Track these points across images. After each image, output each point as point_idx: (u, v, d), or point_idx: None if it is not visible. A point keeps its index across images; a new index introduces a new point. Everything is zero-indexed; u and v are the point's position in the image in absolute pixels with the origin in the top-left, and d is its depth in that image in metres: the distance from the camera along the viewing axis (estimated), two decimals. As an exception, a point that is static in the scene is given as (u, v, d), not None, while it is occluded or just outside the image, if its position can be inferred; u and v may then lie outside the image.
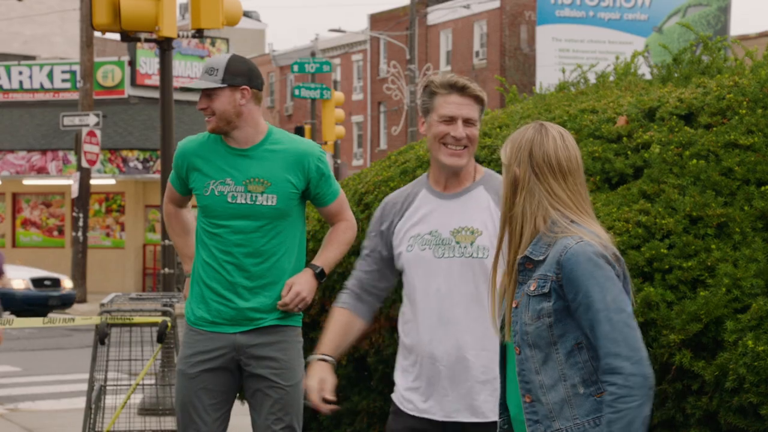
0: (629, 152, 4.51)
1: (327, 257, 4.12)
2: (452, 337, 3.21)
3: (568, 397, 2.58)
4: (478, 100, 3.29)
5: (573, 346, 2.59)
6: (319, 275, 4.07)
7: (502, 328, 2.72)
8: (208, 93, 3.99)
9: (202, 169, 4.05)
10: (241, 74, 4.00)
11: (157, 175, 20.80)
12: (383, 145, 45.80)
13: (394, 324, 4.77)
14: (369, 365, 4.96)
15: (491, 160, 4.91)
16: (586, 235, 2.59)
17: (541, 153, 2.67)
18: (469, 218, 3.25)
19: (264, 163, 4.00)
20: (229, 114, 3.99)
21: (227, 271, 3.98)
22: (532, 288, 2.61)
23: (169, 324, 5.49)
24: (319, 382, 3.30)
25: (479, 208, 3.26)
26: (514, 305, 2.65)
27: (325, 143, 25.94)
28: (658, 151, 4.38)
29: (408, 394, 3.30)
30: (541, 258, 2.61)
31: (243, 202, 3.98)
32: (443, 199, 3.31)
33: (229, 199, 3.99)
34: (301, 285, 4.00)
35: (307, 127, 26.73)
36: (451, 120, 3.25)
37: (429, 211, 3.31)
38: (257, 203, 3.98)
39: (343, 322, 3.41)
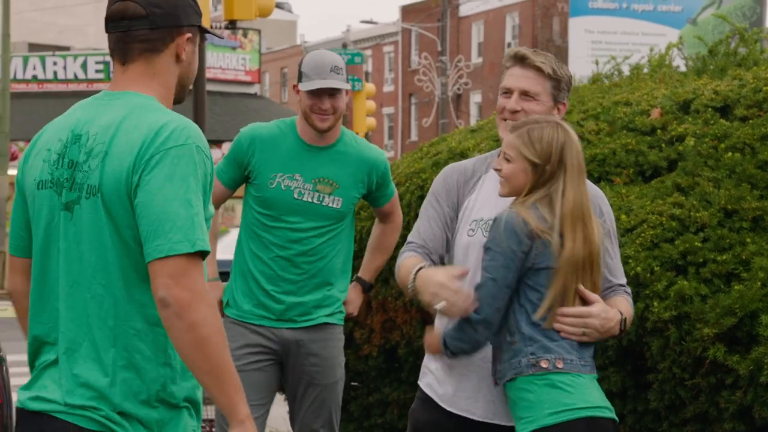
0: (663, 145, 4.48)
1: (373, 268, 4.23)
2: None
3: (500, 343, 2.97)
4: (542, 72, 3.06)
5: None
6: (368, 290, 4.25)
7: None
8: (331, 92, 3.93)
9: (270, 159, 3.96)
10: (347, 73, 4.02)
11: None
12: (414, 137, 45.78)
13: (424, 315, 4.78)
14: (400, 357, 4.97)
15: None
16: (522, 211, 2.90)
17: (570, 156, 2.95)
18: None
19: (335, 165, 3.99)
20: (341, 113, 3.99)
21: (280, 266, 3.95)
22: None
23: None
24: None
25: None
26: None
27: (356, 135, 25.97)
28: (692, 143, 4.35)
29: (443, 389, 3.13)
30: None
31: (309, 200, 3.95)
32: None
33: (296, 195, 3.94)
34: (354, 306, 4.17)
35: (339, 119, 26.75)
36: (508, 92, 3.12)
37: (488, 196, 3.10)
38: (323, 204, 3.96)
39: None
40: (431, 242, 3.14)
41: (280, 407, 4.33)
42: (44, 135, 2.40)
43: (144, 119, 2.28)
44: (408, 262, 3.10)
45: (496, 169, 3.00)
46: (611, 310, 2.99)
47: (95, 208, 2.26)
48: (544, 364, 2.89)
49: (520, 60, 3.11)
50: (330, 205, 3.96)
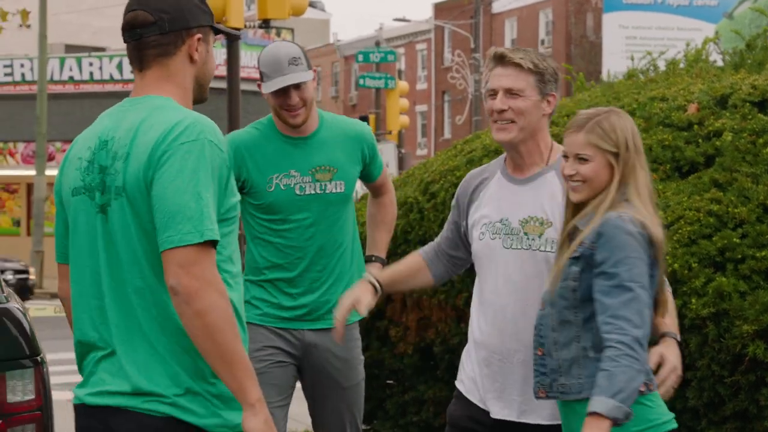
0: (700, 140, 4.44)
1: (383, 245, 4.06)
2: (512, 332, 3.07)
3: (578, 358, 2.77)
4: (522, 68, 3.05)
5: (592, 312, 2.75)
6: (386, 265, 4.01)
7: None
8: (296, 85, 3.75)
9: (261, 162, 3.80)
10: (308, 59, 3.85)
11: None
12: (447, 135, 45.71)
13: (460, 314, 4.77)
14: (435, 355, 4.96)
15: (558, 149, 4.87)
16: (629, 212, 2.75)
17: (639, 139, 2.86)
18: (539, 207, 3.07)
19: (326, 150, 3.85)
20: (313, 102, 3.83)
21: (301, 267, 3.81)
22: (567, 252, 2.80)
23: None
24: (354, 300, 3.18)
25: (549, 196, 3.08)
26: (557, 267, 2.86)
27: (390, 133, 25.97)
28: (730, 138, 4.31)
29: (470, 384, 3.19)
30: (585, 228, 2.79)
31: (313, 192, 3.81)
32: (514, 183, 3.14)
33: (298, 192, 3.80)
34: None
35: (372, 117, 26.78)
36: (494, 93, 3.11)
37: (501, 197, 3.15)
38: (327, 192, 3.83)
39: (413, 265, 3.32)
40: (444, 244, 3.34)
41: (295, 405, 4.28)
42: (76, 145, 2.51)
43: (160, 118, 2.37)
44: (405, 259, 3.38)
45: (568, 175, 2.84)
46: (674, 347, 2.96)
47: (122, 207, 2.37)
48: (652, 388, 2.75)
49: (500, 59, 3.10)
50: (334, 191, 3.83)
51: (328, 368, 3.89)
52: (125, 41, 2.50)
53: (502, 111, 3.08)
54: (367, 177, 4.03)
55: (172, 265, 2.28)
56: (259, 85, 3.87)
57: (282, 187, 3.81)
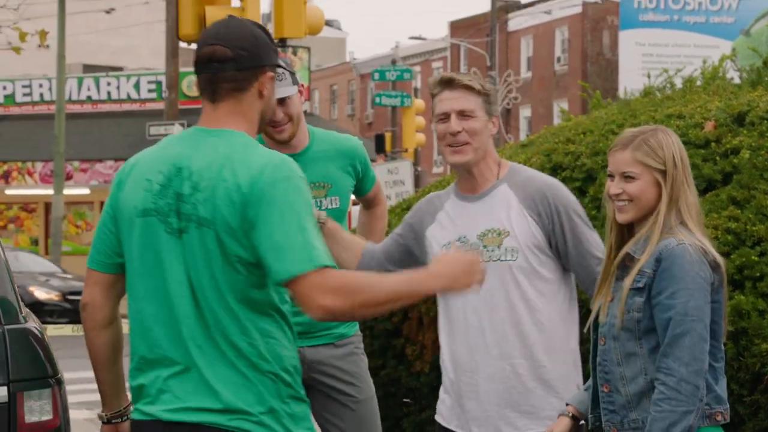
0: (718, 158, 4.43)
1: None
2: (483, 347, 3.08)
3: (646, 391, 2.68)
4: (472, 90, 3.12)
5: (657, 342, 2.67)
6: None
7: (596, 323, 2.82)
8: (280, 101, 3.66)
9: None
10: (294, 71, 3.79)
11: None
12: (464, 152, 45.63)
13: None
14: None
15: (575, 167, 4.86)
16: (688, 238, 2.67)
17: (686, 157, 2.80)
18: (495, 219, 3.08)
19: (319, 166, 3.80)
20: (300, 115, 3.77)
21: None
22: (628, 282, 2.70)
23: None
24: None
25: (504, 207, 3.09)
26: (609, 299, 2.75)
27: (406, 150, 25.99)
28: (748, 156, 4.29)
29: (441, 406, 3.21)
30: (641, 256, 2.70)
31: None
32: (468, 201, 3.16)
33: None
34: None
35: (388, 135, 26.81)
36: (445, 117, 3.14)
37: (456, 216, 3.17)
38: (323, 208, 3.77)
39: (353, 244, 3.33)
40: (384, 254, 3.32)
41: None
42: (139, 165, 2.60)
43: (248, 156, 2.50)
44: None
45: (614, 195, 2.79)
46: None
47: (203, 236, 2.48)
48: (719, 418, 2.69)
49: (448, 83, 3.15)
50: (329, 206, 3.79)
51: (336, 384, 3.80)
52: (198, 72, 2.60)
53: (456, 133, 3.11)
54: (359, 191, 4.00)
55: (314, 290, 2.40)
56: None
57: None
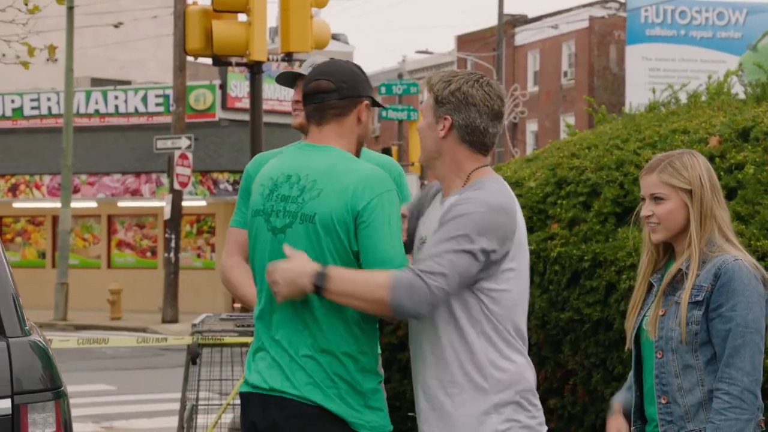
0: (722, 173, 4.43)
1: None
2: (419, 353, 3.02)
3: (704, 401, 2.78)
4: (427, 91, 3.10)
5: (712, 354, 2.79)
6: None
7: (637, 336, 2.93)
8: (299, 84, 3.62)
9: None
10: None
11: (247, 197, 21.02)
12: (471, 166, 45.63)
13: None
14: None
15: (579, 181, 4.86)
16: (741, 255, 2.82)
17: (714, 177, 2.93)
18: (429, 227, 2.99)
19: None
20: None
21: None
22: (685, 297, 2.81)
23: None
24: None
25: (437, 216, 2.97)
26: (661, 313, 2.86)
27: (413, 164, 26.02)
28: (752, 171, 4.29)
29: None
30: (695, 273, 2.82)
31: None
32: (439, 204, 3.05)
33: None
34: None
35: (395, 149, 26.85)
36: None
37: (428, 216, 3.07)
38: None
39: None
40: None
41: None
42: (263, 171, 3.13)
43: (352, 167, 2.98)
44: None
45: (645, 217, 2.92)
46: None
47: (306, 231, 2.94)
48: (762, 425, 2.80)
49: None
50: None
51: None
52: (305, 104, 3.10)
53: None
54: None
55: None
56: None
57: None
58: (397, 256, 2.89)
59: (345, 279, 2.87)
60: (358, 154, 3.08)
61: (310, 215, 2.93)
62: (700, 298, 2.79)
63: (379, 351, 3.84)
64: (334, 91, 3.04)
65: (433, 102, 3.00)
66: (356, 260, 2.92)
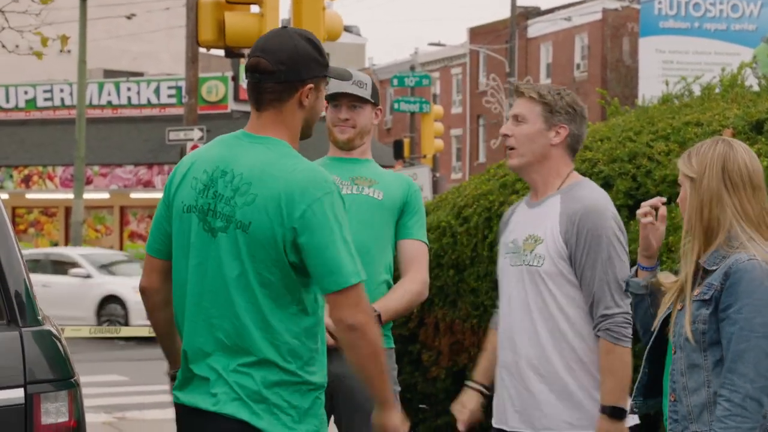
0: (736, 165, 4.41)
1: (387, 304, 3.71)
2: (512, 346, 3.29)
3: (708, 403, 2.68)
4: (529, 98, 3.34)
5: (722, 355, 2.68)
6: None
7: (663, 328, 2.85)
8: (353, 104, 3.79)
9: None
10: (378, 96, 3.87)
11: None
12: (482, 159, 45.68)
13: (493, 338, 4.75)
14: (468, 379, 4.94)
15: (592, 174, 4.85)
16: (761, 254, 2.66)
17: (735, 167, 2.74)
18: (538, 226, 3.27)
19: (371, 171, 3.84)
20: (366, 130, 3.84)
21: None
22: (695, 293, 2.72)
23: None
24: (460, 409, 3.52)
25: (548, 216, 3.26)
26: (679, 308, 2.77)
27: (424, 156, 26.02)
28: (766, 164, 4.27)
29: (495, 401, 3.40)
30: (713, 268, 2.71)
31: (348, 192, 3.74)
32: (529, 207, 3.36)
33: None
34: None
35: (407, 141, 26.84)
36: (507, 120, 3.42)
37: (518, 221, 3.38)
38: (363, 193, 3.78)
39: (494, 345, 3.46)
40: None
41: None
42: (194, 165, 2.83)
43: (287, 167, 2.73)
44: (487, 339, 3.61)
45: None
46: None
47: (237, 238, 2.71)
48: None
49: (515, 91, 3.40)
50: (371, 195, 3.76)
51: (361, 399, 3.62)
52: (246, 78, 2.83)
53: (506, 136, 3.33)
54: (400, 230, 3.81)
55: (345, 306, 2.67)
56: (327, 103, 3.82)
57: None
58: (348, 261, 2.67)
59: None
60: (307, 135, 2.86)
61: (245, 223, 2.70)
62: (707, 297, 2.68)
63: (392, 345, 3.87)
64: (271, 74, 2.76)
65: (547, 111, 3.28)
66: (294, 271, 2.70)
